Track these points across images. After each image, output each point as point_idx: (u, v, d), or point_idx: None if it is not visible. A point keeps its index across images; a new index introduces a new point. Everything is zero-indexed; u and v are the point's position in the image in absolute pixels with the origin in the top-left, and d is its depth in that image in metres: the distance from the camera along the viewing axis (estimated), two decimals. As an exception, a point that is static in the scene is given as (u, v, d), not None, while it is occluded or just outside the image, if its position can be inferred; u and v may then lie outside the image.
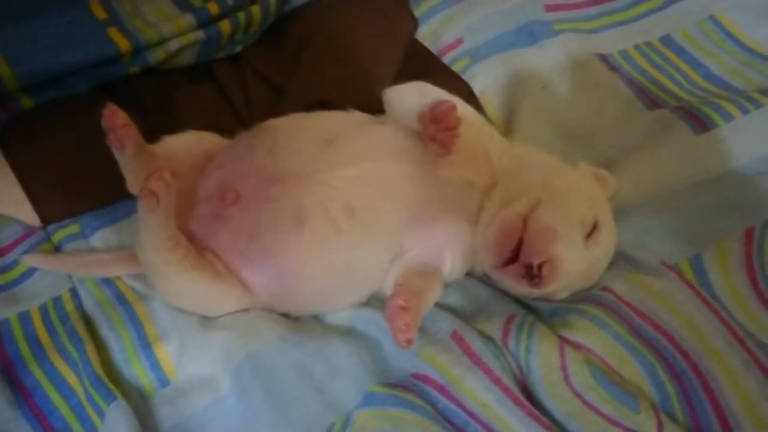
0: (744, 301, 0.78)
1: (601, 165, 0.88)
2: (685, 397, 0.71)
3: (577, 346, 0.73)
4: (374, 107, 0.83)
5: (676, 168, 0.88)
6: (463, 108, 0.80)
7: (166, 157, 0.79)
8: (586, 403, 0.69)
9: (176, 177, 0.70)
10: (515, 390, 0.69)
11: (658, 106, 0.95)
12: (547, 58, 0.98)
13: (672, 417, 0.70)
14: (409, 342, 0.66)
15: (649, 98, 0.96)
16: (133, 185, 0.78)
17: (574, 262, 0.72)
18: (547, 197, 0.73)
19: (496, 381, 0.69)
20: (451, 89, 0.84)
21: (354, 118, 0.82)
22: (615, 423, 0.68)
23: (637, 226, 0.83)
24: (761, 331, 0.76)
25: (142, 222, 0.70)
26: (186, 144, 0.81)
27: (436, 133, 0.72)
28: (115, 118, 0.74)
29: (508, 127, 0.94)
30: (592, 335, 0.74)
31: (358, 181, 0.74)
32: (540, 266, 0.69)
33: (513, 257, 0.71)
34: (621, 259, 0.80)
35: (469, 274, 0.81)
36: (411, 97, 0.79)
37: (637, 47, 1.03)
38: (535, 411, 0.67)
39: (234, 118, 0.91)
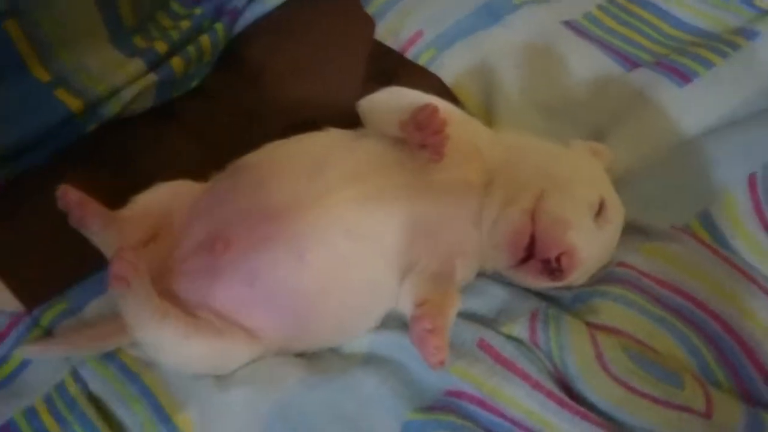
0: (762, 249, 0.77)
1: (591, 136, 0.86)
2: (724, 361, 0.70)
3: (607, 330, 0.71)
4: (350, 120, 0.79)
5: (667, 125, 0.86)
6: (442, 106, 0.77)
7: (138, 219, 0.74)
8: (629, 388, 0.67)
9: (144, 246, 0.69)
10: (557, 391, 0.66)
11: (636, 65, 0.92)
12: (514, 35, 0.95)
13: (716, 384, 0.69)
14: (443, 364, 0.63)
15: (625, 58, 0.93)
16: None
17: (590, 247, 0.69)
18: (550, 186, 0.71)
19: (536, 385, 0.66)
20: (423, 85, 0.81)
21: (333, 137, 0.78)
22: (662, 403, 0.66)
23: (639, 194, 0.81)
24: None
25: (121, 305, 0.66)
26: (158, 199, 0.76)
27: (424, 140, 0.69)
28: (69, 198, 0.70)
29: (488, 114, 0.91)
30: (619, 315, 0.72)
31: (353, 204, 0.70)
32: (558, 259, 0.67)
33: (528, 254, 0.68)
34: (631, 231, 0.78)
35: (481, 273, 0.78)
36: (387, 104, 0.76)
37: (600, 7, 1.00)
38: (582, 409, 0.65)
39: (206, 158, 0.86)
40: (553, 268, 0.67)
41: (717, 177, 0.80)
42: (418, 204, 0.72)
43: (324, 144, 0.76)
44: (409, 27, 0.96)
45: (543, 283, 0.70)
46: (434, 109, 0.68)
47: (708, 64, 0.87)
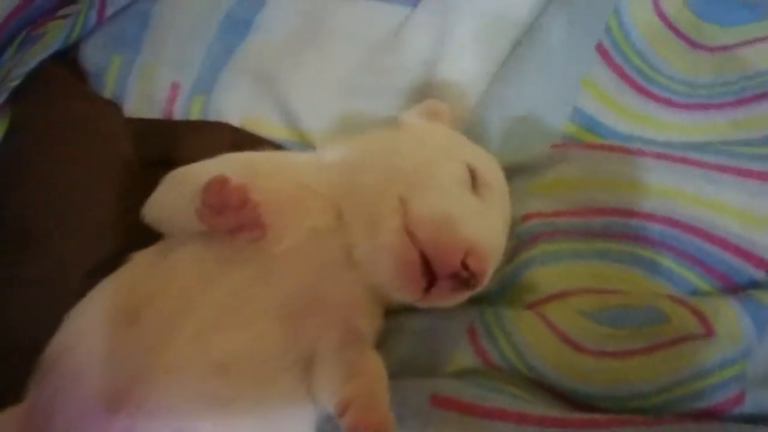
0: (643, 116, 0.69)
1: (417, 96, 0.72)
2: (687, 257, 0.60)
3: (554, 300, 0.59)
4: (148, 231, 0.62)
5: (485, 43, 0.73)
6: (237, 163, 0.61)
7: None
8: (615, 355, 0.55)
9: None
10: (550, 409, 0.53)
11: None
12: (275, 32, 0.78)
13: (696, 291, 0.58)
14: None
15: None
16: None
17: (488, 228, 0.56)
18: (406, 187, 0.57)
19: (521, 419, 0.52)
20: (211, 142, 0.66)
21: (137, 267, 0.60)
22: (656, 348, 0.55)
23: (496, 132, 0.69)
24: (683, 133, 0.67)
25: None
26: None
27: (231, 223, 0.53)
28: None
29: (299, 133, 0.75)
30: (556, 276, 0.61)
31: (205, 334, 0.54)
32: (464, 265, 0.53)
33: (429, 278, 0.54)
34: (515, 174, 0.66)
35: (389, 311, 0.64)
36: (172, 200, 0.60)
37: None
38: (585, 417, 0.52)
39: (9, 367, 0.66)
40: (466, 278, 0.53)
41: (566, 65, 0.70)
42: (275, 290, 0.57)
43: (129, 284, 0.59)
44: (161, 84, 0.78)
45: (463, 298, 0.56)
46: (221, 182, 0.52)
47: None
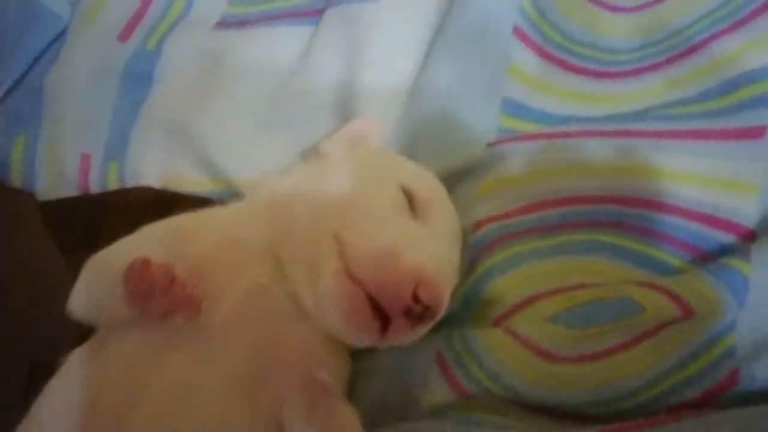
0: (581, 95, 0.65)
1: (340, 115, 0.68)
2: (649, 234, 0.56)
3: (520, 309, 0.55)
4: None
5: (394, 47, 0.70)
6: (157, 233, 0.57)
7: None
8: (593, 357, 0.51)
9: None
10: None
11: (318, 12, 0.74)
12: (180, 80, 0.73)
13: (664, 267, 0.55)
14: None
15: (298, 15, 0.75)
16: None
17: (434, 252, 0.52)
18: (340, 225, 0.52)
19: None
20: (134, 211, 0.63)
21: (75, 366, 0.55)
22: (637, 340, 0.51)
23: (426, 140, 0.65)
24: (620, 103, 0.64)
25: None
26: None
27: (163, 307, 0.48)
28: None
29: (223, 180, 0.71)
30: (518, 282, 0.57)
31: (157, 426, 0.50)
32: (416, 298, 0.49)
33: (382, 319, 0.50)
34: (456, 182, 0.63)
35: (354, 353, 0.60)
36: (96, 291, 0.54)
37: None
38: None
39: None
40: (421, 313, 0.49)
41: (484, 57, 0.66)
42: (226, 361, 0.52)
43: (71, 386, 0.54)
44: (70, 158, 0.72)
45: (425, 330, 0.52)
46: (142, 266, 0.48)
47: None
